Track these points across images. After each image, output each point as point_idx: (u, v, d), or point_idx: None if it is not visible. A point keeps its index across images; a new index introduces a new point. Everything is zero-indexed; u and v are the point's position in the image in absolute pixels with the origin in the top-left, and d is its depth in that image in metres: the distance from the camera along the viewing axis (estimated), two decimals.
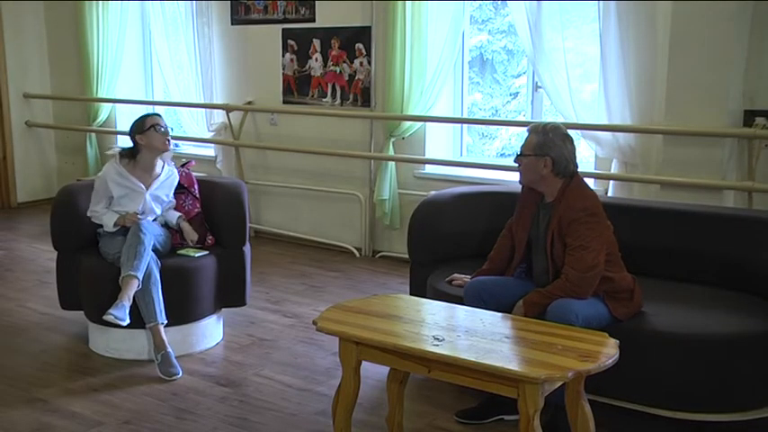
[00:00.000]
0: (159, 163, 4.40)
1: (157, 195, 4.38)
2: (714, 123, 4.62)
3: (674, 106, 4.72)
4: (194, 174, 4.65)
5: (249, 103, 6.85)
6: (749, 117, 4.58)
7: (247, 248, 4.49)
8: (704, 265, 3.79)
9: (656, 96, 4.84)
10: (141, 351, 4.17)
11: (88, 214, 4.32)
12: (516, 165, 3.48)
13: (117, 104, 7.84)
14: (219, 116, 7.01)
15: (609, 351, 2.82)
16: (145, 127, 4.31)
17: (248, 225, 4.49)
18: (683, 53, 4.62)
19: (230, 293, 4.43)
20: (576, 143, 3.46)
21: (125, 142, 7.88)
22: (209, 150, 7.30)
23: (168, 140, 4.36)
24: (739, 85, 4.59)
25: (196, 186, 4.56)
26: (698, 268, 3.81)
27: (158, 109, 7.89)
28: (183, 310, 4.19)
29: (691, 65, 4.60)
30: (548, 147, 3.34)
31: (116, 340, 4.19)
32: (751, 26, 4.52)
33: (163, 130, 4.32)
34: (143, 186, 4.34)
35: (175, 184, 4.48)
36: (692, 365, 3.22)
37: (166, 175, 4.43)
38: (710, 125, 4.62)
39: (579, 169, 3.46)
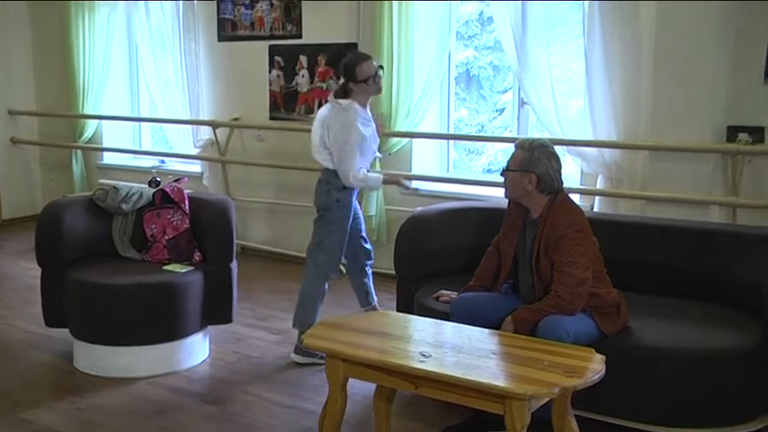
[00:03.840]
0: None
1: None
2: (698, 139, 4.66)
3: (658, 122, 4.76)
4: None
5: (236, 119, 6.85)
6: (732, 132, 4.62)
7: (234, 265, 4.48)
8: (689, 279, 3.81)
9: (640, 112, 4.87)
10: (126, 369, 4.14)
11: (351, 180, 4.15)
12: (502, 179, 3.50)
13: (103, 121, 7.82)
14: (206, 132, 7.00)
15: (595, 366, 2.82)
16: (357, 78, 4.15)
17: (235, 242, 4.48)
18: (668, 69, 4.67)
19: (216, 310, 4.40)
20: (561, 159, 3.48)
21: (111, 159, 7.93)
22: (195, 167, 7.28)
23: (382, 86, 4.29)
24: (722, 100, 4.63)
25: (186, 202, 4.55)
26: (683, 283, 3.82)
27: (144, 125, 7.93)
28: (169, 327, 4.16)
29: (675, 81, 4.65)
30: (533, 164, 3.37)
31: (101, 358, 4.16)
32: (734, 43, 4.57)
33: (378, 79, 4.18)
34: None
35: None
36: (678, 380, 3.23)
37: None
38: (695, 141, 4.66)
39: (565, 185, 3.48)
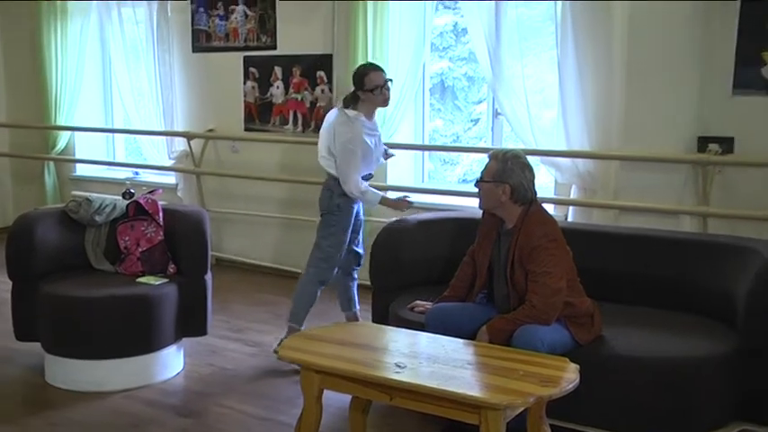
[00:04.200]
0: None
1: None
2: (670, 149, 4.72)
3: (630, 132, 4.82)
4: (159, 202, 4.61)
5: (210, 130, 6.83)
6: (703, 143, 4.68)
7: (209, 277, 4.45)
8: (662, 288, 3.85)
9: (613, 122, 4.92)
10: (100, 382, 4.10)
11: (353, 190, 4.26)
12: (476, 189, 3.52)
13: (76, 132, 7.74)
14: (181, 144, 6.96)
15: (569, 376, 2.84)
16: (365, 86, 4.28)
17: (209, 253, 4.45)
18: (639, 80, 4.73)
19: (191, 322, 4.37)
20: (535, 169, 3.51)
21: (84, 170, 7.86)
22: (169, 178, 7.24)
23: (388, 97, 4.38)
24: (693, 111, 4.70)
25: (161, 214, 4.52)
26: (656, 292, 3.86)
27: (118, 137, 7.87)
28: (143, 340, 4.13)
29: (646, 92, 4.72)
30: (506, 174, 3.39)
31: (74, 372, 4.12)
32: (705, 55, 4.63)
33: (385, 90, 4.30)
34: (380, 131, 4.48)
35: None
36: (651, 388, 3.25)
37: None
38: (666, 151, 4.72)
39: (539, 195, 3.50)
